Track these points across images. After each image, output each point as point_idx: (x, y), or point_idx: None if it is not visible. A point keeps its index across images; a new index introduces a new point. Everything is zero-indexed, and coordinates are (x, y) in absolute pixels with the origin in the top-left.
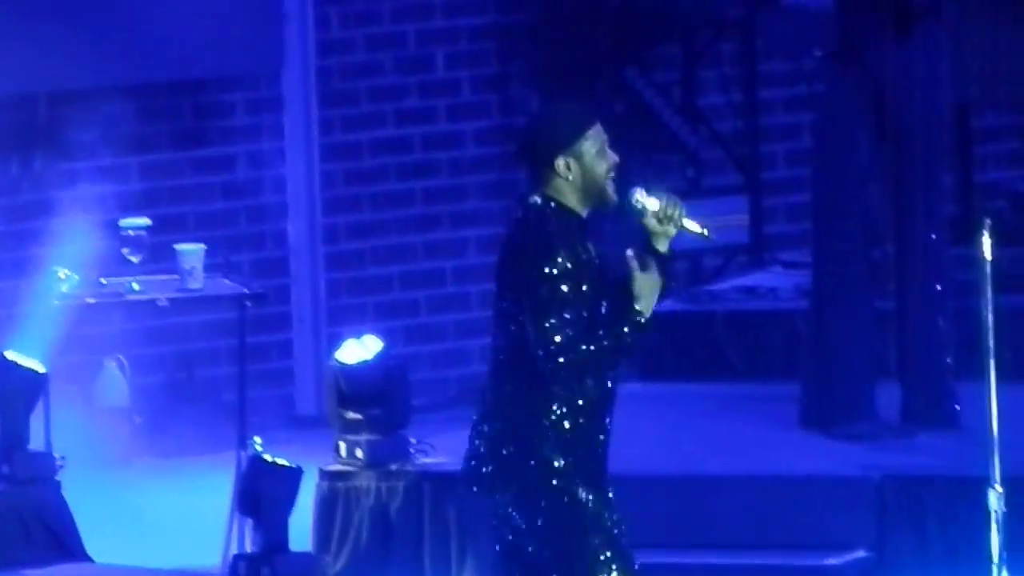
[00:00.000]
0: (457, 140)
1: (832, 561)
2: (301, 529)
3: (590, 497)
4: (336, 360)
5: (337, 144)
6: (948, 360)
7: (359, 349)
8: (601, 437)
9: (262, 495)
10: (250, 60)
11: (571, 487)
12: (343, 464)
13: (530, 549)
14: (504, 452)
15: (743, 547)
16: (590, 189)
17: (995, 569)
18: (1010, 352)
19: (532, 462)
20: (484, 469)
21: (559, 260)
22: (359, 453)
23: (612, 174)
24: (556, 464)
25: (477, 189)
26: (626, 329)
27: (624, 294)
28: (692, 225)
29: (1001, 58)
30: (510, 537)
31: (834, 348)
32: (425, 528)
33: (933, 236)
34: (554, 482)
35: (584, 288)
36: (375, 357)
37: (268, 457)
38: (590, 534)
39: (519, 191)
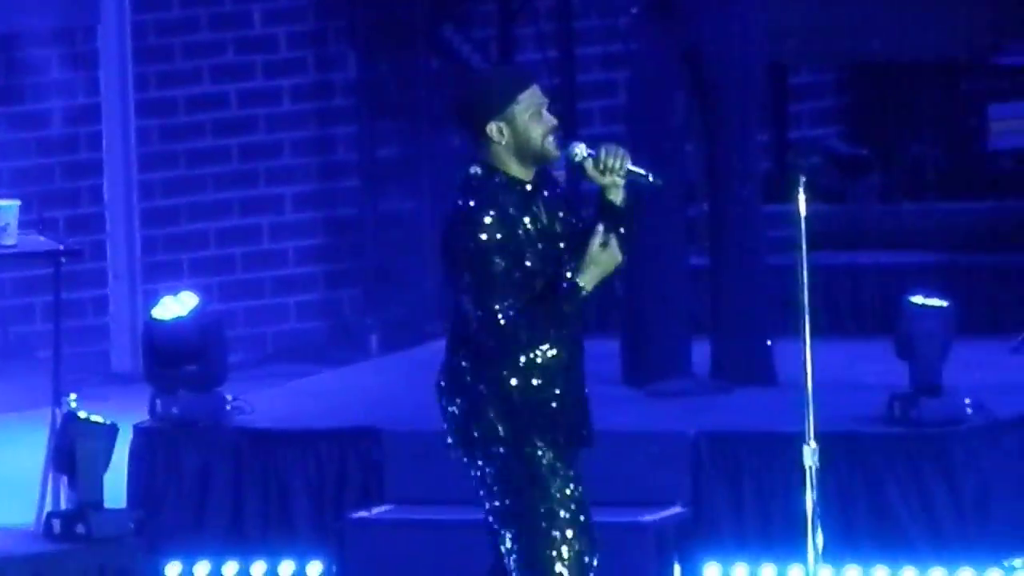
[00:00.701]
0: (273, 96)
1: (648, 517)
2: (117, 486)
3: (544, 459)
4: (152, 317)
5: (153, 100)
6: (763, 317)
7: (175, 306)
8: (555, 401)
9: (76, 452)
10: (64, 14)
11: (522, 449)
12: (159, 421)
13: (495, 505)
14: (463, 420)
15: None
16: (525, 152)
17: (809, 525)
18: (825, 309)
19: (485, 428)
20: (450, 440)
21: (490, 233)
22: (175, 410)
23: (551, 136)
24: (502, 429)
25: (293, 145)
26: (563, 302)
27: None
28: (638, 171)
29: (816, 15)
30: (485, 502)
31: (649, 305)
32: (243, 485)
33: (746, 192)
34: (501, 449)
35: (526, 258)
36: (191, 314)
37: (83, 414)
38: (545, 497)
39: (337, 147)
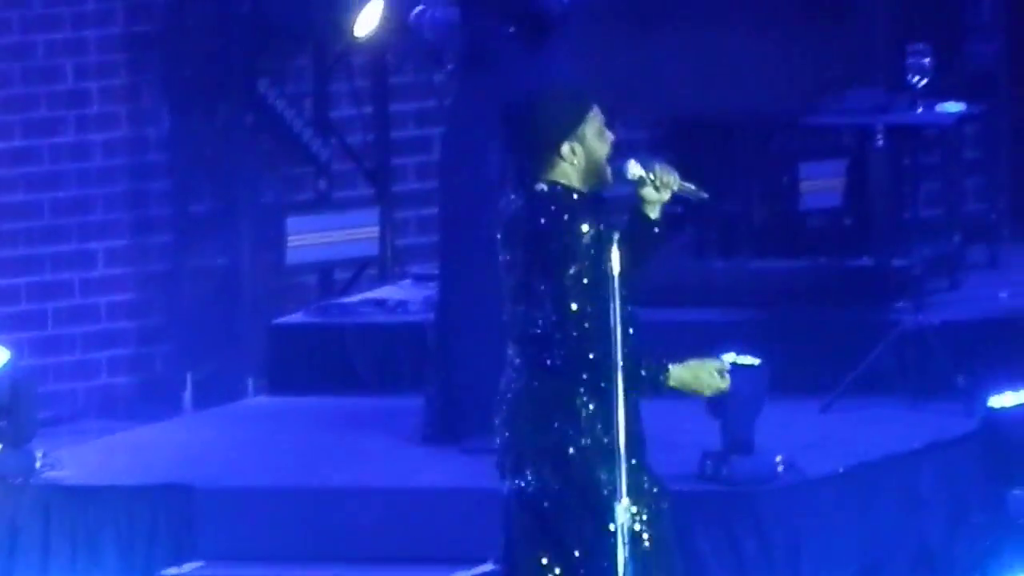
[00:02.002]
0: (85, 151)
1: (461, 574)
2: None
3: (604, 478)
4: None
5: None
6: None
7: None
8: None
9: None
10: None
11: (586, 470)
12: None
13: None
14: (522, 437)
15: (372, 561)
16: (591, 171)
17: None
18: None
19: (550, 445)
20: (506, 458)
21: (582, 239)
22: None
23: (609, 154)
24: (571, 450)
25: (106, 200)
26: (642, 381)
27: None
28: (687, 188)
29: (631, 72)
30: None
31: (460, 361)
32: (51, 542)
33: None
34: (570, 465)
35: (601, 264)
36: (2, 369)
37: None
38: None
39: (150, 202)
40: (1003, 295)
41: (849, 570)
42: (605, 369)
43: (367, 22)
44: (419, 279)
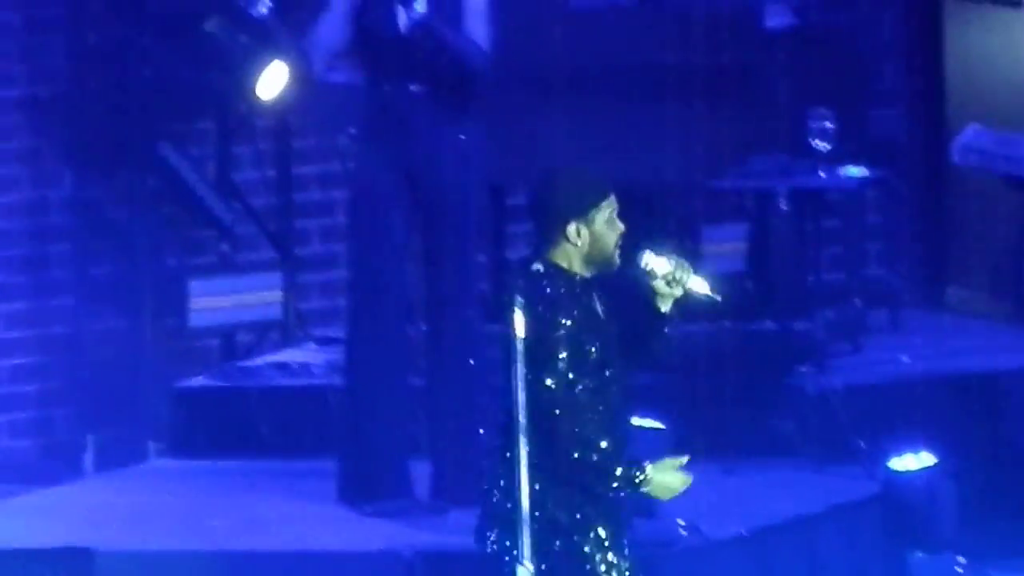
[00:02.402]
0: None
1: None
2: None
3: (596, 547)
4: None
5: None
6: (480, 436)
7: None
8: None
9: None
10: None
11: (577, 545)
12: None
13: None
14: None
15: None
16: (596, 256)
17: None
18: None
19: (543, 522)
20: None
21: (573, 320)
22: None
23: (619, 243)
24: (563, 520)
25: (6, 263)
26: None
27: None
28: (700, 287)
29: (534, 137)
30: None
31: (367, 424)
32: None
33: (466, 312)
34: (558, 541)
35: (593, 349)
36: None
37: None
38: None
39: (51, 265)
40: (904, 359)
41: None
42: (590, 466)
43: (270, 85)
44: (322, 342)
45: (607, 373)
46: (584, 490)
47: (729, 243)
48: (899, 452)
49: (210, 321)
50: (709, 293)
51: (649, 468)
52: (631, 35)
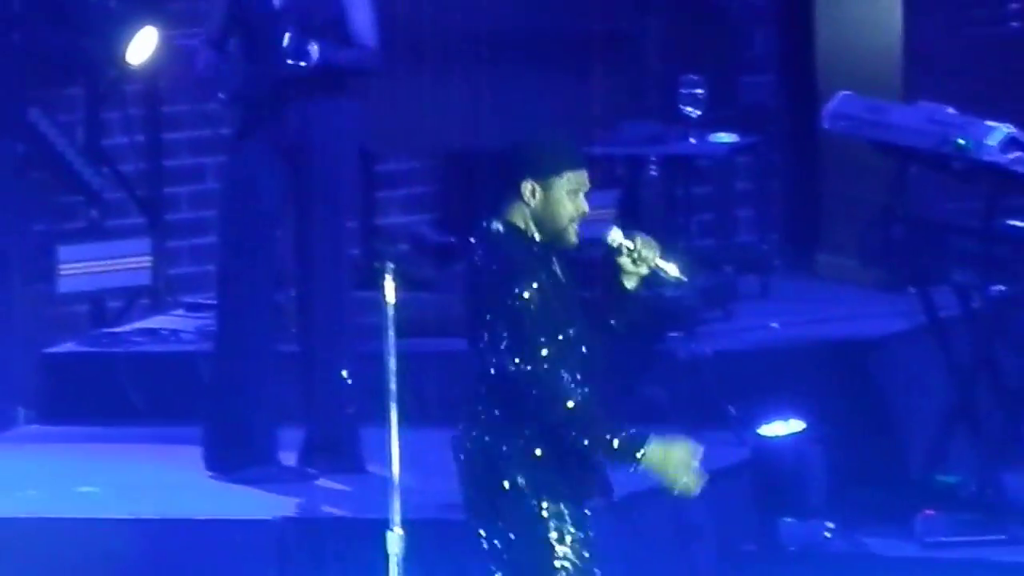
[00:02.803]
0: None
1: None
2: None
3: (553, 515)
4: None
5: None
6: (350, 404)
7: None
8: (572, 456)
9: None
10: None
11: (533, 507)
12: None
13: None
14: (477, 475)
15: None
16: (546, 225)
17: None
18: (412, 396)
19: (503, 484)
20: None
21: (531, 291)
22: None
23: (576, 221)
24: (520, 483)
25: None
26: (615, 450)
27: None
28: (667, 267)
29: (405, 104)
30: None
31: (236, 391)
32: None
33: (336, 280)
34: (518, 502)
35: (555, 308)
36: None
37: None
38: (552, 552)
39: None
40: (774, 325)
41: None
42: (557, 418)
43: (140, 50)
44: (192, 308)
45: (571, 332)
46: (555, 456)
47: (600, 209)
48: (769, 418)
49: (79, 287)
50: (677, 275)
51: (655, 442)
52: (503, 2)
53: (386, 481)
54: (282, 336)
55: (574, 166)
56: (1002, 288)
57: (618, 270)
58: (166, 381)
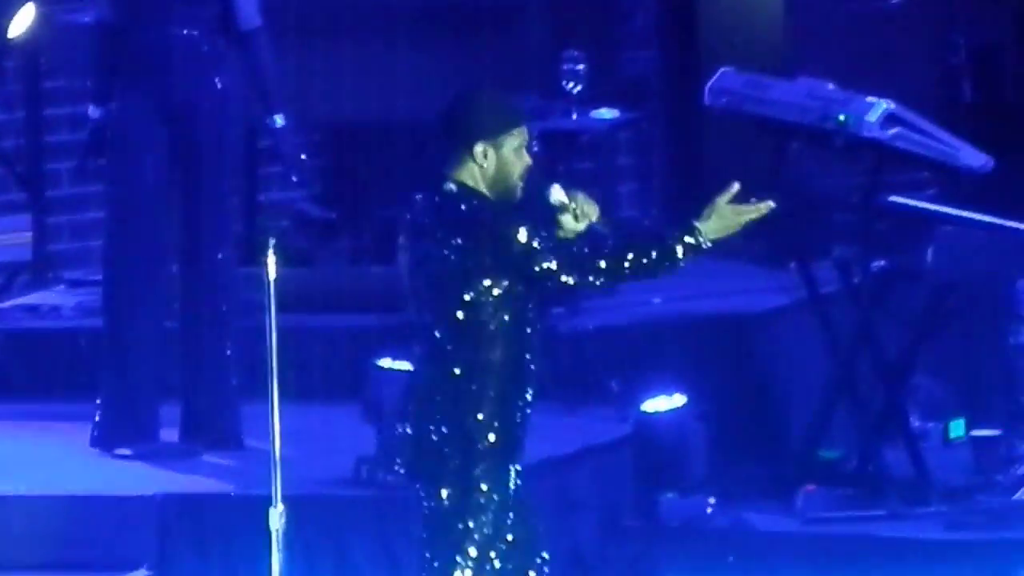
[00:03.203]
0: None
1: None
2: None
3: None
4: None
5: None
6: (232, 380)
7: None
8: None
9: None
10: None
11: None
12: None
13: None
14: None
15: (25, 568)
16: (498, 183)
17: None
18: (293, 371)
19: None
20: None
21: (521, 222)
22: None
23: (523, 176)
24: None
25: None
26: (686, 241)
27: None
28: (603, 224)
29: (287, 77)
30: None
31: (120, 367)
32: None
33: (220, 255)
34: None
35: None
36: None
37: (387, 363)
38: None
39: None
40: (656, 301)
41: None
42: (504, 371)
43: (19, 24)
44: (73, 285)
45: (519, 288)
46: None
47: None
48: (651, 394)
49: None
50: (607, 231)
51: (702, 223)
52: None
53: (267, 457)
54: (166, 312)
55: (519, 122)
56: (882, 263)
57: (557, 227)
58: (46, 357)
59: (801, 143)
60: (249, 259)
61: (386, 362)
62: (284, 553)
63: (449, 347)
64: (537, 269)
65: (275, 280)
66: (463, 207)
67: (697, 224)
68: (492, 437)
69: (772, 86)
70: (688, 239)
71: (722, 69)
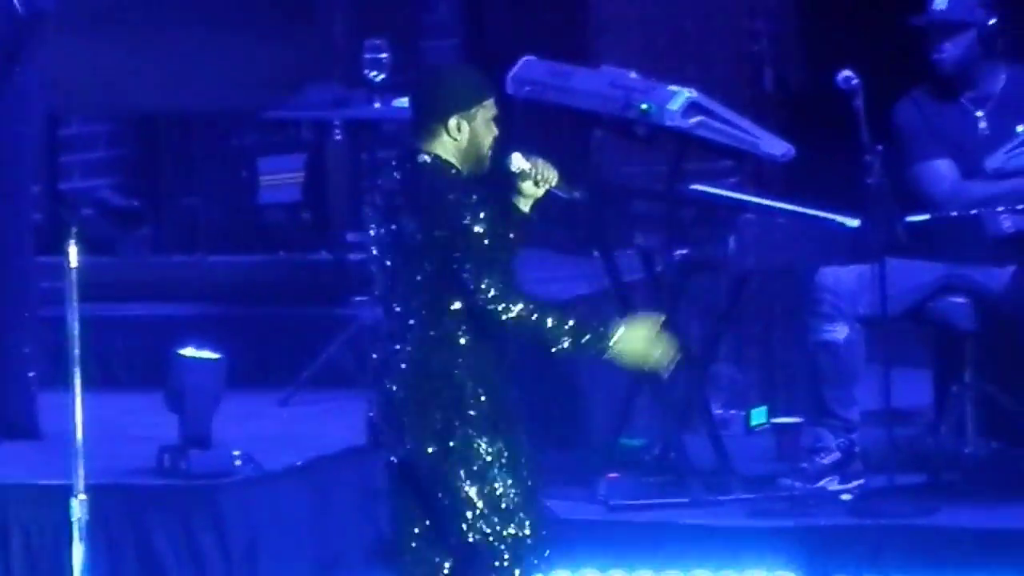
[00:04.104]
0: None
1: None
2: None
3: (490, 448)
4: None
5: None
6: (30, 371)
7: None
8: (500, 393)
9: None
10: None
11: (473, 440)
12: None
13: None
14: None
15: None
16: (471, 155)
17: None
18: (94, 360)
19: (438, 420)
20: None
21: (483, 215)
22: None
23: (491, 147)
24: (457, 423)
25: None
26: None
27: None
28: (563, 187)
29: (88, 66)
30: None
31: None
32: None
33: (19, 247)
34: (455, 438)
35: (499, 235)
36: None
37: (189, 352)
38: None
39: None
40: None
41: (307, 563)
42: (478, 344)
43: None
44: None
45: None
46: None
47: (285, 174)
48: None
49: None
50: (571, 192)
51: (621, 329)
52: None
53: (69, 446)
54: None
55: (489, 94)
56: (684, 252)
57: (516, 195)
58: None
59: (604, 132)
60: (51, 248)
61: (189, 351)
62: (86, 543)
63: (419, 320)
64: (471, 278)
65: (76, 269)
66: (436, 184)
67: (610, 332)
68: (475, 404)
69: (575, 75)
70: (602, 337)
71: (525, 58)
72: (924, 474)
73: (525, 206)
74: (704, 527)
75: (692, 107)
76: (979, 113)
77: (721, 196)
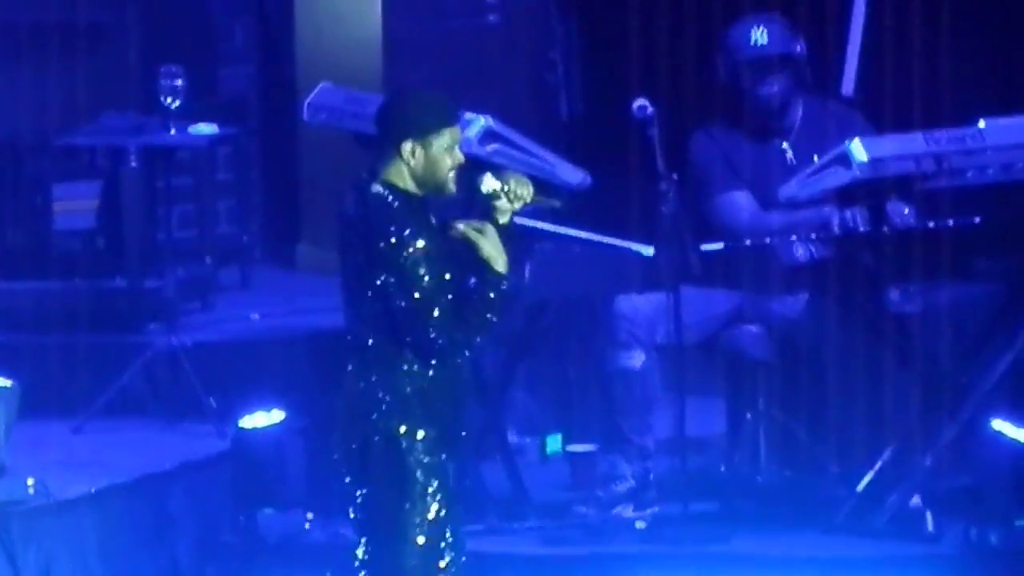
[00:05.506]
0: None
1: None
2: None
3: (424, 465)
4: None
5: None
6: None
7: None
8: (450, 409)
9: None
10: None
11: (410, 458)
12: None
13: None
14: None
15: None
16: (427, 180)
17: None
18: None
19: (376, 435)
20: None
21: (413, 241)
22: None
23: (453, 172)
24: (400, 432)
25: None
26: (491, 295)
27: (473, 266)
28: (539, 199)
29: None
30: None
31: None
32: None
33: None
34: (395, 453)
35: (438, 262)
36: None
37: None
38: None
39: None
40: (255, 316)
41: None
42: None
43: None
44: None
45: (447, 277)
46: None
47: (81, 200)
48: (249, 410)
49: None
50: (549, 202)
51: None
52: None
53: None
54: None
55: (451, 122)
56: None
57: (492, 210)
58: None
59: None
60: None
61: None
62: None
63: (370, 342)
64: (407, 309)
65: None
66: (375, 217)
67: (495, 268)
68: (421, 433)
69: (371, 101)
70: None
71: (321, 84)
72: (717, 502)
73: (503, 219)
74: (499, 555)
75: (488, 135)
76: (784, 144)
77: (516, 224)
